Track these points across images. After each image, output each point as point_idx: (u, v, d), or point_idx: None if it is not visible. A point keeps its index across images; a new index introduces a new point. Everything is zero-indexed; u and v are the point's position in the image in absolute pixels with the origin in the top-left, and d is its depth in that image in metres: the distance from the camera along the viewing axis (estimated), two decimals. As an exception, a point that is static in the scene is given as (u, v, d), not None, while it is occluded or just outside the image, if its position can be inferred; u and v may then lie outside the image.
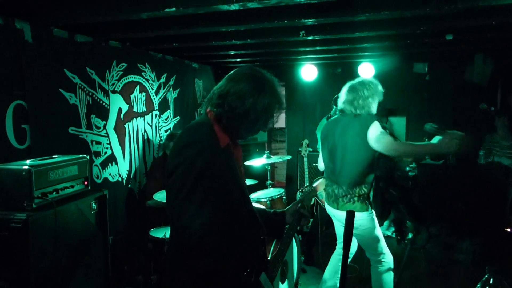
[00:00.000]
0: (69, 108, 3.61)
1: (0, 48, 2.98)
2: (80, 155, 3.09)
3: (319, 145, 4.79)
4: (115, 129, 4.25)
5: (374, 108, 3.29)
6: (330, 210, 3.52)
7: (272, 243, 3.05)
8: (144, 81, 4.75)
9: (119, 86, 4.30)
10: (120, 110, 4.33)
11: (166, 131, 5.28)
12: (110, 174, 4.19)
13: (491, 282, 1.51)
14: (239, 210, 1.84)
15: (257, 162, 4.66)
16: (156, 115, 5.07)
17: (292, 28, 3.82)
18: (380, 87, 3.31)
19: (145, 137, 4.85)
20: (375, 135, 3.09)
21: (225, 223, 1.74)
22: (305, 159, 6.00)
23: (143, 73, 4.73)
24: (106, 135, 4.11)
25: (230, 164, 1.80)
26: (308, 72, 6.39)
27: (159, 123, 5.14)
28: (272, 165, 8.60)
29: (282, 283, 3.31)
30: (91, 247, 3.09)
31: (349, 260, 3.43)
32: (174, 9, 2.79)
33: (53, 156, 2.97)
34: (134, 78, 4.57)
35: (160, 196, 3.69)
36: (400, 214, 3.30)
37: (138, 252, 4.23)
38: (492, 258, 4.71)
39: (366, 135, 3.12)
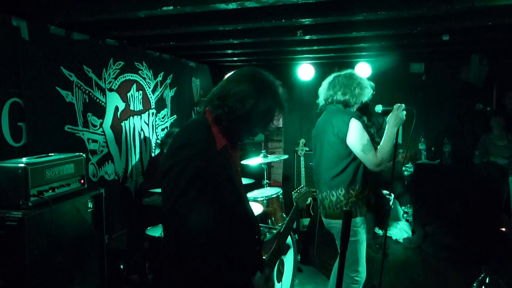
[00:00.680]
0: (66, 106, 3.60)
1: (-4, 45, 2.97)
2: (77, 153, 3.08)
3: None
4: (111, 127, 4.25)
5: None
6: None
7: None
8: (141, 80, 4.74)
9: (116, 84, 4.29)
10: (116, 108, 4.32)
11: (162, 129, 5.27)
12: (106, 173, 4.19)
13: (487, 281, 1.51)
14: (234, 212, 1.82)
15: (254, 161, 4.66)
16: (153, 113, 5.06)
17: (289, 28, 3.82)
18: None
19: (142, 135, 4.84)
20: (361, 144, 2.94)
21: (219, 225, 1.72)
22: (302, 158, 6.01)
23: (140, 72, 4.72)
24: (102, 133, 4.11)
25: (226, 166, 1.78)
26: (305, 71, 6.39)
27: (155, 121, 5.14)
28: (269, 164, 8.60)
29: (278, 282, 3.31)
30: (87, 246, 3.09)
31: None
32: (171, 7, 2.78)
33: (49, 154, 2.96)
34: (131, 76, 4.56)
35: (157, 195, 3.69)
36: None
37: (134, 251, 4.23)
38: (487, 257, 4.73)
39: (345, 136, 2.97)
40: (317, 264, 4.92)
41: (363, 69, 6.02)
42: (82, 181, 3.08)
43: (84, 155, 3.12)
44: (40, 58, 3.30)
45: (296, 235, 4.33)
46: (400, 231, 5.85)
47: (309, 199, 5.01)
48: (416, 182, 5.89)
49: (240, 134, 1.84)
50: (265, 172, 4.87)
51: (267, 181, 4.92)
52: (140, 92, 4.75)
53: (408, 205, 6.26)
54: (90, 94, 3.89)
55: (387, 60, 5.94)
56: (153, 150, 5.09)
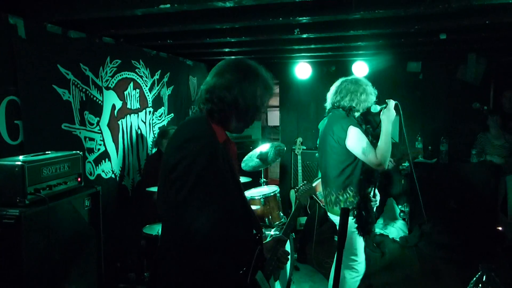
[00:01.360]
0: (63, 104, 3.59)
1: (-8, 43, 2.96)
2: (73, 152, 3.07)
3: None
4: (108, 125, 4.24)
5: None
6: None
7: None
8: (138, 78, 4.74)
9: (113, 82, 4.28)
10: (113, 106, 4.32)
11: (159, 128, 5.26)
12: (103, 171, 4.18)
13: (484, 279, 1.52)
14: (237, 208, 1.83)
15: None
16: (150, 112, 5.05)
17: (286, 26, 3.82)
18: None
19: (139, 134, 4.83)
20: (360, 146, 3.10)
21: (225, 221, 1.72)
22: (299, 157, 6.02)
23: (137, 70, 4.71)
24: (99, 131, 4.10)
25: (228, 160, 1.80)
26: (302, 70, 6.39)
27: (153, 120, 5.13)
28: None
29: (275, 280, 3.32)
30: (84, 244, 3.08)
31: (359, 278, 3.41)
32: (168, 5, 2.78)
33: (46, 152, 2.95)
34: (128, 74, 4.55)
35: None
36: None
37: (131, 249, 4.22)
38: (484, 256, 4.75)
39: (343, 142, 3.15)
40: (314, 262, 4.93)
41: (360, 68, 6.03)
42: (79, 179, 3.08)
43: (81, 153, 3.11)
44: (37, 56, 3.29)
45: (293, 233, 4.33)
46: (397, 230, 5.86)
47: (302, 207, 5.01)
48: (412, 181, 5.90)
49: (233, 123, 1.85)
50: (262, 170, 4.87)
51: (264, 179, 4.92)
52: (137, 90, 4.74)
53: (405, 204, 6.28)
54: (87, 92, 3.88)
55: (384, 59, 5.95)
56: (150, 149, 5.08)
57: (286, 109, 7.24)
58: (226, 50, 5.04)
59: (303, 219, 5.68)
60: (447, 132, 6.02)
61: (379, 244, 5.58)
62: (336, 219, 3.38)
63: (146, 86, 4.94)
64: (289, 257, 3.56)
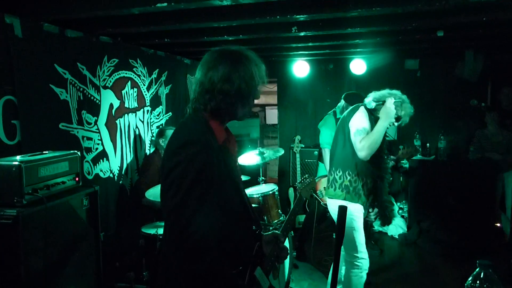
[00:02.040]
0: (60, 104, 3.58)
1: (-11, 42, 2.94)
2: (71, 151, 3.06)
3: (325, 140, 4.84)
4: (106, 125, 4.23)
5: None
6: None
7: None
8: (135, 77, 4.73)
9: (111, 81, 4.27)
10: (111, 106, 4.31)
11: (158, 127, 5.25)
12: (101, 170, 4.17)
13: (482, 276, 1.52)
14: (234, 208, 1.83)
15: (250, 158, 4.66)
16: (147, 111, 5.05)
17: (284, 24, 3.82)
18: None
19: (137, 133, 4.82)
20: (355, 127, 3.19)
21: (222, 222, 1.72)
22: (297, 155, 6.02)
23: (134, 69, 4.70)
24: (97, 131, 4.09)
25: (227, 161, 1.79)
26: (300, 68, 6.40)
27: (150, 119, 5.12)
28: (264, 161, 8.60)
29: (274, 279, 3.32)
30: (82, 244, 3.08)
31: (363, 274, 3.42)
32: (165, 4, 2.77)
33: (44, 152, 2.94)
34: (126, 73, 4.54)
35: (153, 193, 3.68)
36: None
37: (129, 249, 4.22)
38: (482, 252, 4.76)
39: (348, 123, 3.27)
40: (313, 260, 4.94)
41: (358, 66, 6.03)
42: (77, 178, 3.07)
43: (78, 152, 3.11)
44: (34, 55, 3.27)
45: (292, 231, 4.34)
46: (395, 227, 5.87)
47: (303, 201, 5.02)
48: (411, 178, 5.92)
49: (239, 111, 1.84)
50: (260, 169, 4.87)
51: (263, 178, 4.92)
52: (135, 89, 4.73)
53: (404, 201, 6.29)
54: (85, 91, 3.87)
55: (382, 57, 5.94)
56: (148, 148, 5.08)
57: (284, 107, 7.24)
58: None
59: (301, 217, 5.68)
60: (445, 129, 6.02)
61: (377, 242, 5.59)
62: (329, 202, 3.46)
63: (144, 85, 4.93)
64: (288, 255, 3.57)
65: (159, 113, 5.33)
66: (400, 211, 6.19)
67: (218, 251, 1.67)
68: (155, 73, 5.16)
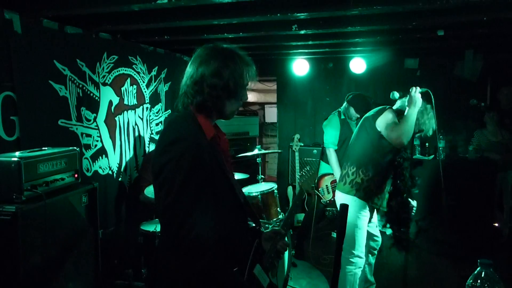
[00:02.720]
0: (59, 100, 3.58)
1: (-12, 38, 2.94)
2: (70, 148, 3.06)
3: (329, 140, 4.84)
4: (105, 121, 4.22)
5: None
6: None
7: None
8: (135, 74, 4.72)
9: (110, 78, 4.26)
10: (110, 102, 4.30)
11: (157, 124, 5.25)
12: (100, 167, 4.17)
13: (482, 275, 1.52)
14: (228, 204, 1.82)
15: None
16: (147, 108, 5.04)
17: (284, 22, 3.82)
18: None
19: (136, 130, 4.82)
20: (385, 122, 3.22)
21: (216, 219, 1.71)
22: (296, 153, 6.01)
23: (134, 66, 4.69)
24: (96, 127, 4.08)
25: (217, 156, 1.78)
26: (300, 66, 6.39)
27: (150, 116, 5.12)
28: (263, 159, 8.60)
29: (273, 277, 3.32)
30: (81, 241, 3.08)
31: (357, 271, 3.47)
32: (165, 1, 2.77)
33: (43, 148, 2.94)
34: (125, 70, 4.53)
35: (152, 190, 3.67)
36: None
37: (128, 246, 4.22)
38: (481, 252, 4.76)
39: (375, 122, 3.29)
40: (312, 259, 4.94)
41: (358, 65, 6.03)
42: (76, 175, 3.07)
43: (77, 149, 3.11)
44: (33, 51, 3.27)
45: (290, 230, 4.34)
46: (394, 226, 5.86)
47: (304, 194, 5.01)
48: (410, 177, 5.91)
49: (226, 108, 1.84)
50: (259, 167, 4.87)
51: (262, 176, 4.92)
52: (134, 86, 4.73)
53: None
54: (84, 88, 3.87)
55: (382, 56, 5.94)
56: (148, 145, 5.07)
57: (283, 106, 7.24)
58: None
59: (300, 216, 5.68)
60: (444, 128, 6.02)
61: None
62: (337, 196, 3.49)
63: (143, 82, 4.92)
64: (287, 252, 3.57)
65: (159, 110, 5.32)
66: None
67: (215, 248, 1.66)
68: (154, 70, 5.15)
